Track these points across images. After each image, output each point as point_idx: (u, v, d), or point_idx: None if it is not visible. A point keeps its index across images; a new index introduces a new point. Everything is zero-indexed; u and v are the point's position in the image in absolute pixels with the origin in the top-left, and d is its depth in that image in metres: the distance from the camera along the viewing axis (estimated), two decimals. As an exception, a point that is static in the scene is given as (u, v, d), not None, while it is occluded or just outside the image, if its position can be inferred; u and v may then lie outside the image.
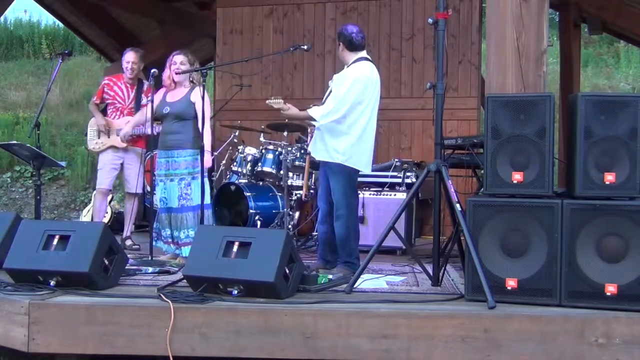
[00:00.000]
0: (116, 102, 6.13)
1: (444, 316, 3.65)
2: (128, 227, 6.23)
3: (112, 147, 6.08)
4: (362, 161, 4.80)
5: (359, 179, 6.38)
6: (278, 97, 4.85)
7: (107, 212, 7.12)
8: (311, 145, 4.95)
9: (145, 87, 6.14)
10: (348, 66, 4.83)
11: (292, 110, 4.78)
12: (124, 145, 6.03)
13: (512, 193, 3.93)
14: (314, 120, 4.70)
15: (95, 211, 6.29)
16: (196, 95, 5.11)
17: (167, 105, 5.18)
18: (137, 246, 6.09)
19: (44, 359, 3.92)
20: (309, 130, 5.24)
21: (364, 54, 4.88)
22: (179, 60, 5.19)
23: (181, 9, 9.68)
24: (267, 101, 4.91)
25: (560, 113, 8.93)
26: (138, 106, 6.11)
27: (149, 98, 5.89)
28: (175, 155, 5.14)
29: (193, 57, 5.31)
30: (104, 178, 6.14)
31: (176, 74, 5.19)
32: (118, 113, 6.13)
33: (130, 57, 6.14)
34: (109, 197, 7.04)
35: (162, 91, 5.36)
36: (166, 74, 5.26)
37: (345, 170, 4.74)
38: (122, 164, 6.14)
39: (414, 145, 7.55)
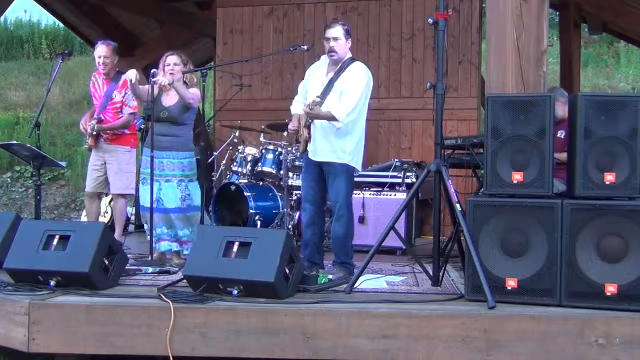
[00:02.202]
0: (95, 98, 5.84)
1: (444, 316, 3.65)
2: (117, 230, 5.98)
3: (91, 146, 5.83)
4: (360, 161, 4.81)
5: (359, 179, 6.42)
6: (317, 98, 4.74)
7: (107, 212, 7.12)
8: (311, 147, 4.79)
9: (121, 81, 5.72)
10: (344, 63, 4.72)
11: (317, 109, 4.65)
12: (92, 143, 5.77)
13: (512, 193, 3.94)
14: (336, 120, 4.57)
15: (87, 214, 6.14)
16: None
17: (164, 109, 5.15)
18: (127, 249, 5.93)
19: (44, 359, 3.91)
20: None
21: None
22: (172, 61, 5.12)
23: (181, 9, 9.67)
24: (314, 97, 4.70)
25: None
26: (106, 101, 5.77)
27: (124, 93, 5.74)
28: (172, 157, 5.10)
29: (186, 57, 5.25)
30: (88, 180, 5.91)
31: (170, 74, 5.13)
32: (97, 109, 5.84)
33: (101, 51, 5.72)
34: (109, 198, 7.03)
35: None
36: (160, 74, 5.19)
37: (349, 170, 4.73)
38: (104, 164, 5.85)
39: (414, 145, 7.55)
